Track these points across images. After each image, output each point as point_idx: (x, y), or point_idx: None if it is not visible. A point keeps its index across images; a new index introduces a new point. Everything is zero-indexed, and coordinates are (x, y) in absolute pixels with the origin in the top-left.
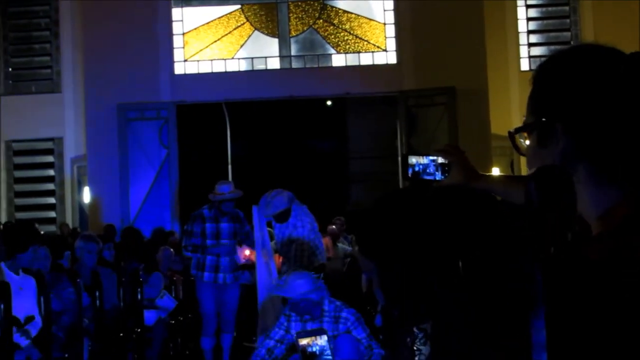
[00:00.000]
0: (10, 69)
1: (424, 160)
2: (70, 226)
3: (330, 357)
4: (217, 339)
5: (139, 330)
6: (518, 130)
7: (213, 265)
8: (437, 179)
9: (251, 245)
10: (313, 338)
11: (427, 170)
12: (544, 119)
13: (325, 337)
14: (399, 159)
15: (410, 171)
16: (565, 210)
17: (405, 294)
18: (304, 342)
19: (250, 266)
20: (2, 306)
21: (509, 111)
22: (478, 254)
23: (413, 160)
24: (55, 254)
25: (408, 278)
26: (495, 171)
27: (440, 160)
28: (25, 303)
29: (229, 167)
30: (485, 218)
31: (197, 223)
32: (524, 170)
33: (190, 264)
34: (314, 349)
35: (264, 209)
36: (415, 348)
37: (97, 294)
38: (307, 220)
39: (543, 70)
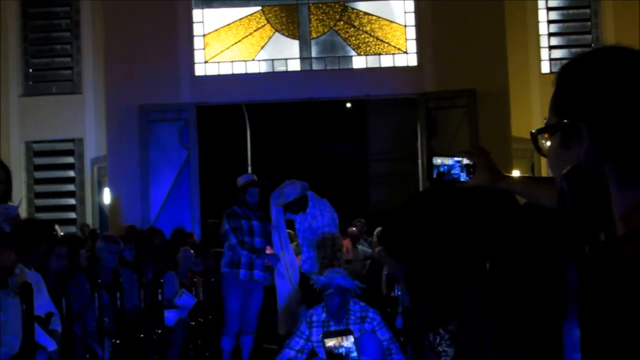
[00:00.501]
0: (30, 70)
1: (449, 161)
2: (91, 227)
3: (356, 357)
4: (236, 341)
5: (159, 330)
6: (540, 131)
7: (248, 262)
8: (462, 180)
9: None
10: (339, 339)
11: (452, 172)
12: (566, 120)
13: (352, 338)
14: (419, 160)
15: (435, 172)
16: (599, 210)
17: (431, 296)
18: (330, 343)
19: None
20: (24, 306)
21: (529, 113)
22: (502, 255)
23: (438, 161)
24: (73, 253)
25: (434, 280)
26: (516, 173)
27: (466, 161)
28: (40, 299)
29: (249, 168)
30: (508, 219)
31: (237, 219)
32: (545, 173)
33: (209, 264)
34: (340, 351)
35: (277, 199)
36: (441, 349)
37: (118, 294)
38: (326, 209)
39: (566, 72)
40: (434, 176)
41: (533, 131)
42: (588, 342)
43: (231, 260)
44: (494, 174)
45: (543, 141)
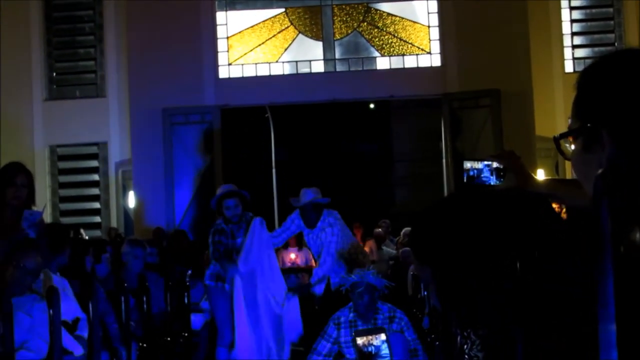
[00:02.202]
0: (54, 74)
1: (478, 165)
2: (117, 231)
3: (387, 356)
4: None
5: (185, 334)
6: (563, 135)
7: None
8: (492, 183)
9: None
10: (370, 337)
11: (482, 175)
12: (589, 125)
13: (383, 336)
14: (443, 161)
15: (465, 176)
16: (633, 209)
17: (462, 300)
18: (361, 341)
19: (295, 269)
20: (51, 311)
21: (553, 113)
22: (533, 257)
23: (468, 165)
24: (96, 257)
25: (464, 283)
26: (540, 173)
27: (495, 165)
28: (66, 305)
29: (273, 170)
30: (541, 221)
31: (220, 235)
32: (569, 173)
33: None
34: (370, 349)
35: (295, 201)
36: (472, 354)
37: (144, 298)
38: (335, 221)
39: (587, 76)
40: (464, 180)
41: (556, 136)
42: (627, 340)
43: (216, 274)
44: (524, 177)
45: (567, 145)
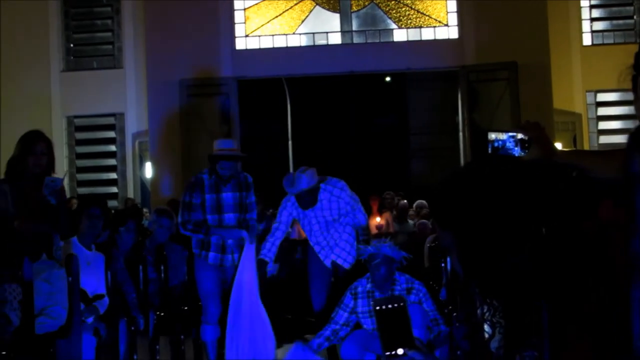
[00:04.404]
0: (72, 45)
1: (502, 136)
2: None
3: None
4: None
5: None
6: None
7: (219, 244)
8: (516, 154)
9: None
10: (389, 307)
11: (506, 146)
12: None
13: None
14: (460, 134)
15: (489, 147)
16: None
17: (484, 266)
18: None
19: (301, 242)
20: (70, 278)
21: (571, 86)
22: (556, 224)
23: (492, 136)
24: (115, 228)
25: (487, 249)
26: (558, 147)
27: (520, 136)
28: (92, 279)
29: (289, 142)
30: (565, 190)
31: (197, 193)
32: (587, 146)
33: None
34: None
35: (289, 187)
36: (495, 320)
37: (162, 267)
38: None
39: None
40: (489, 151)
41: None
42: None
43: (201, 241)
44: (548, 148)
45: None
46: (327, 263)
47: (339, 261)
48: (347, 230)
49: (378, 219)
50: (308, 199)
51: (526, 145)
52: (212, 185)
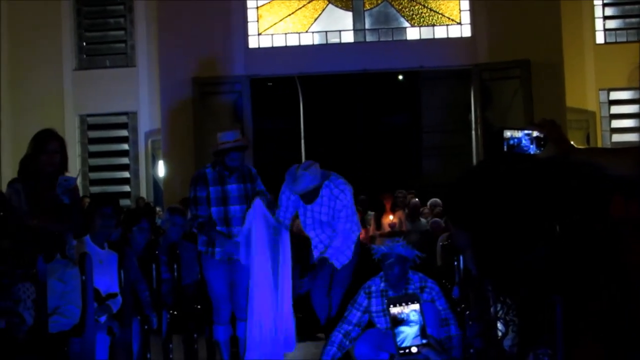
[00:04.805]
0: (84, 44)
1: (518, 134)
2: (146, 200)
3: (419, 323)
4: (232, 329)
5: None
6: None
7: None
8: (532, 152)
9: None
10: (404, 306)
11: (522, 144)
12: None
13: (418, 306)
14: (473, 132)
15: (505, 145)
16: None
17: (499, 264)
18: (394, 310)
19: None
20: (83, 277)
21: (584, 84)
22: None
23: (508, 134)
24: (128, 227)
25: (502, 248)
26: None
27: (535, 133)
28: (105, 278)
29: (302, 140)
30: (582, 187)
31: (201, 187)
32: (600, 144)
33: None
34: (402, 317)
35: (291, 184)
36: (508, 319)
37: (175, 266)
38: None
39: None
40: (504, 149)
41: None
42: None
43: (207, 238)
44: (564, 146)
45: None
46: (316, 256)
47: (332, 260)
48: (346, 227)
49: (391, 217)
50: (309, 196)
51: (542, 142)
52: (215, 178)
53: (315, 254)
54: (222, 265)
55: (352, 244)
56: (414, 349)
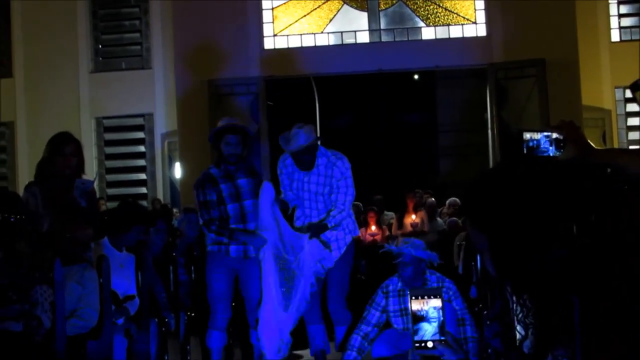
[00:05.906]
0: (100, 46)
1: (537, 136)
2: (162, 202)
3: (438, 320)
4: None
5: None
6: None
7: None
8: (552, 154)
9: None
10: (425, 299)
11: (541, 146)
12: None
13: (439, 302)
14: (489, 131)
15: (524, 147)
16: None
17: (518, 266)
18: (415, 307)
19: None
20: (101, 280)
21: (599, 82)
22: (587, 222)
23: (527, 136)
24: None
25: (520, 249)
26: None
27: (555, 135)
28: (122, 280)
29: (318, 141)
30: (600, 190)
31: (209, 189)
32: (616, 143)
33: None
34: (422, 313)
35: (286, 145)
36: (528, 322)
37: (192, 267)
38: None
39: None
40: (524, 151)
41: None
42: None
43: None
44: (583, 147)
45: None
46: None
47: (331, 242)
48: (347, 202)
49: (413, 217)
50: (307, 158)
51: (561, 144)
52: (223, 175)
53: (305, 221)
54: (233, 264)
55: (349, 233)
56: (430, 344)
